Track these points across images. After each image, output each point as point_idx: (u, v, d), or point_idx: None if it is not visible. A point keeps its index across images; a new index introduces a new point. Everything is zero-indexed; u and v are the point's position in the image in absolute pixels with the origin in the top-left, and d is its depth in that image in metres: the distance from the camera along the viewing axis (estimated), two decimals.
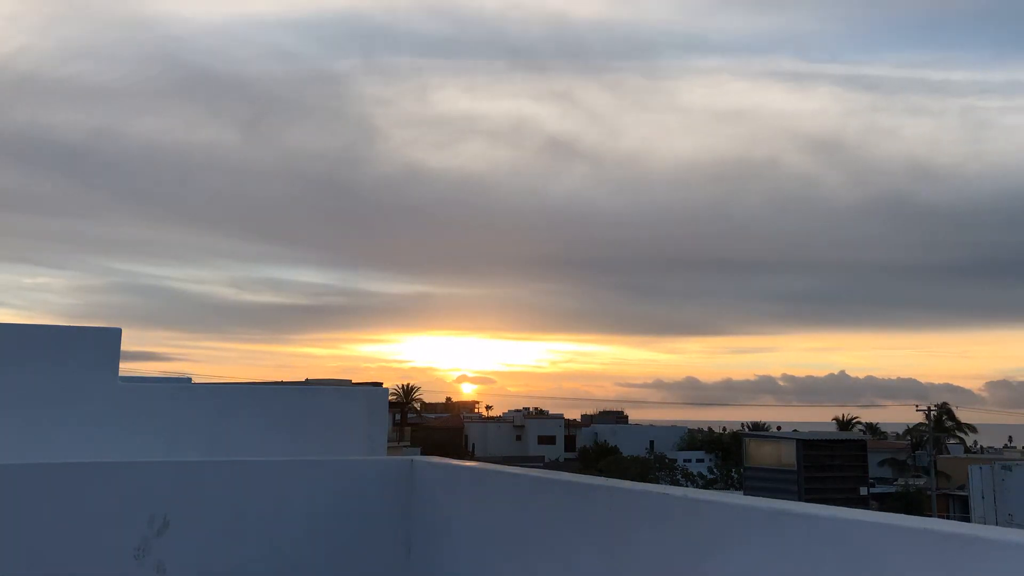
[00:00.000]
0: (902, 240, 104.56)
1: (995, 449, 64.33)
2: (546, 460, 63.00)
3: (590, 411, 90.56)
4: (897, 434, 66.75)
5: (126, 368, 5.81)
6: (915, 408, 49.09)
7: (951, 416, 53.44)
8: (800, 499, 25.40)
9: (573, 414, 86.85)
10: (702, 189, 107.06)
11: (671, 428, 79.52)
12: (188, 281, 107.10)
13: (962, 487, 36.66)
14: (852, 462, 38.21)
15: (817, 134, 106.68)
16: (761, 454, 39.36)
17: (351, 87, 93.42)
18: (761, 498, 2.85)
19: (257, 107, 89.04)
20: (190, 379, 10.72)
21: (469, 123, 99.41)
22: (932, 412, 48.88)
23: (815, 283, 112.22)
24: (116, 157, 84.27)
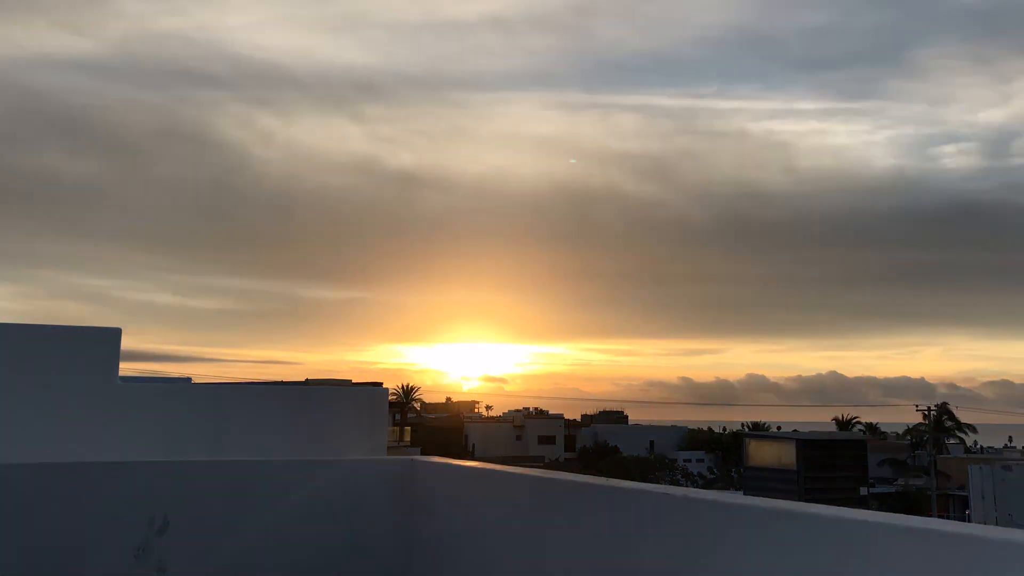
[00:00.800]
0: (767, 255, 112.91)
1: (995, 449, 64.33)
2: (546, 460, 63.00)
3: (590, 411, 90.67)
4: (897, 434, 66.71)
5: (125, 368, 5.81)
6: (915, 408, 49.11)
7: (951, 416, 53.39)
8: (800, 499, 25.34)
9: (572, 414, 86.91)
10: (561, 211, 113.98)
11: (671, 428, 79.53)
12: (128, 290, 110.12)
13: (962, 487, 36.66)
14: (852, 462, 38.23)
15: (641, 158, 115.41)
16: (761, 454, 39.36)
17: (198, 119, 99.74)
18: (761, 498, 2.85)
19: (122, 140, 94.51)
20: (190, 379, 10.72)
21: (315, 154, 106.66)
22: (932, 412, 48.85)
23: (721, 292, 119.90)
24: (10, 186, 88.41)
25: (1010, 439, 77.55)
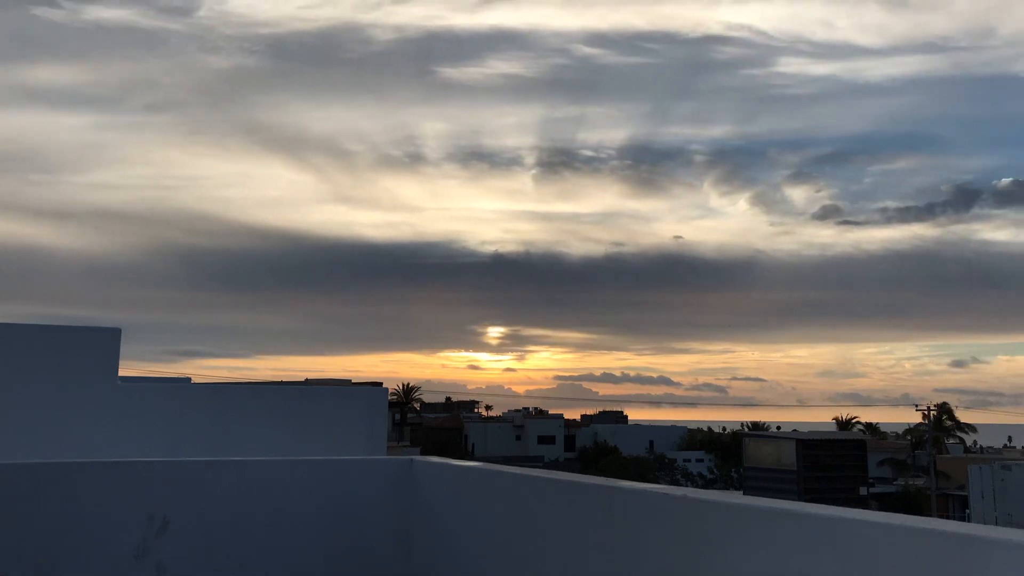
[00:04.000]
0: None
1: (995, 449, 64.31)
2: (546, 460, 62.98)
3: (589, 411, 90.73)
4: (897, 434, 66.69)
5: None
6: (914, 408, 49.11)
7: (951, 416, 53.35)
8: (800, 499, 25.41)
9: (572, 414, 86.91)
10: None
11: (671, 428, 79.55)
12: None
13: (962, 487, 36.65)
14: (852, 462, 38.24)
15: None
16: (761, 454, 39.37)
17: None
18: (761, 498, 2.85)
19: None
20: (190, 379, 10.71)
21: None
22: (932, 412, 48.83)
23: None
24: None
25: (1010, 439, 77.51)
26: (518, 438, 74.07)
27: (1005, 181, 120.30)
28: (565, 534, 3.36)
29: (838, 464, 37.50)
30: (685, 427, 79.98)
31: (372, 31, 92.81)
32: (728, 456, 60.93)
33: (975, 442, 61.67)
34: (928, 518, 2.31)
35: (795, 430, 55.86)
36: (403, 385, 76.67)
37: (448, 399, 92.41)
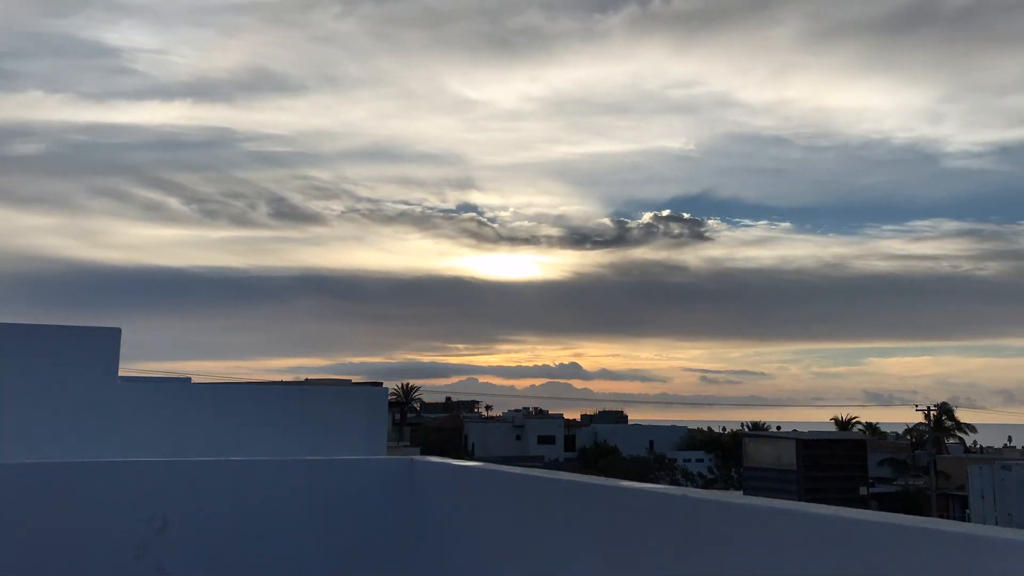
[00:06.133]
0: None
1: (995, 449, 64.30)
2: (546, 460, 62.98)
3: (589, 411, 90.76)
4: (897, 434, 66.69)
5: None
6: (914, 408, 49.11)
7: (951, 416, 53.34)
8: (800, 499, 25.40)
9: (571, 414, 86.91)
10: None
11: (671, 428, 79.53)
12: None
13: (962, 487, 36.67)
14: (852, 462, 38.27)
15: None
16: (761, 454, 39.41)
17: None
18: (761, 498, 2.85)
19: None
20: (190, 379, 10.72)
21: None
22: (932, 412, 48.83)
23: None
24: None
25: (1010, 439, 77.46)
26: (518, 438, 74.04)
27: (664, 211, 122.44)
28: (565, 534, 3.36)
29: (838, 464, 37.53)
30: (685, 427, 79.95)
31: None
32: (728, 456, 60.94)
33: (975, 442, 61.65)
34: (928, 518, 2.31)
35: (795, 430, 55.82)
36: (403, 385, 76.69)
37: (448, 399, 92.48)
